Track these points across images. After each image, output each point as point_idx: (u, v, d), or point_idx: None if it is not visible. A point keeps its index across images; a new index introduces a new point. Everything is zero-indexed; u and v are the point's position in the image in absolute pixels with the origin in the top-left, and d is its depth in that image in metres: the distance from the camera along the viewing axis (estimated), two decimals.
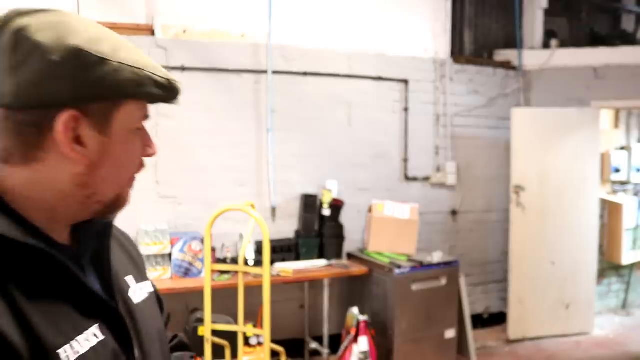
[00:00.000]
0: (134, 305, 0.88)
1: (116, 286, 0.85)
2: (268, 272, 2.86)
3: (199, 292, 3.06)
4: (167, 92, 0.80)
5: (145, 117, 0.81)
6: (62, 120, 0.71)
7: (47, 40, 0.70)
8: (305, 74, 4.27)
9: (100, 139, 0.75)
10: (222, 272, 3.63)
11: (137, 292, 0.91)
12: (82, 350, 0.72)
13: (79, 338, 0.72)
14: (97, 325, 0.76)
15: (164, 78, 0.78)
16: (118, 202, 0.82)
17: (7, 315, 0.66)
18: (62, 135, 0.72)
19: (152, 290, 0.97)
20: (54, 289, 0.73)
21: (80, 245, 0.83)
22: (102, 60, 0.72)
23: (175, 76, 0.82)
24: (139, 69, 0.75)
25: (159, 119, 3.72)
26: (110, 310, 0.79)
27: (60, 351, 0.69)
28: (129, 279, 0.91)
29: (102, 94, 0.73)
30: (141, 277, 0.96)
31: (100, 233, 0.86)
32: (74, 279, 0.75)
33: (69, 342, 0.70)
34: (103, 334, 0.76)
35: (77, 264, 0.80)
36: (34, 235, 0.73)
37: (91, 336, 0.74)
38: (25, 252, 0.70)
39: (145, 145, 0.84)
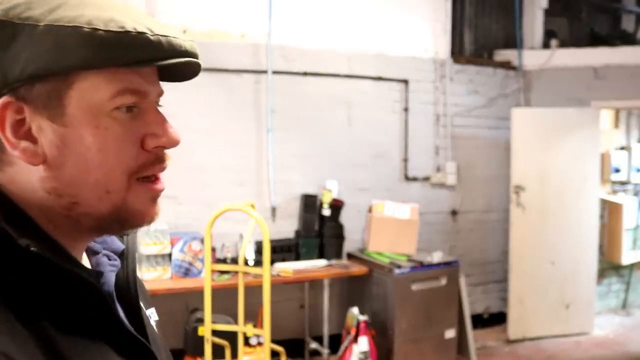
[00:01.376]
0: (155, 335, 0.75)
1: (145, 318, 0.73)
2: (268, 272, 2.86)
3: (199, 292, 3.06)
4: (145, 53, 0.58)
5: (134, 93, 0.60)
6: None
7: None
8: (305, 74, 4.27)
9: (54, 129, 0.58)
10: (222, 272, 3.64)
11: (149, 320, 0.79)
12: None
13: None
14: None
15: (133, 32, 0.56)
16: (120, 216, 0.62)
17: (36, 352, 0.54)
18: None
19: (157, 318, 0.82)
20: (88, 322, 0.60)
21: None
22: (24, 27, 0.55)
23: (180, 35, 0.61)
24: (80, 27, 0.55)
25: None
26: (144, 349, 0.66)
27: None
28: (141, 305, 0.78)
29: (34, 70, 0.55)
30: (148, 304, 0.80)
31: (120, 254, 0.72)
32: (109, 313, 0.62)
33: None
34: None
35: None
36: (65, 257, 0.59)
37: None
38: (58, 278, 0.58)
39: (147, 134, 0.62)
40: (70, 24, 0.55)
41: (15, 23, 0.55)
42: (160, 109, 0.65)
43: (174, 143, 0.64)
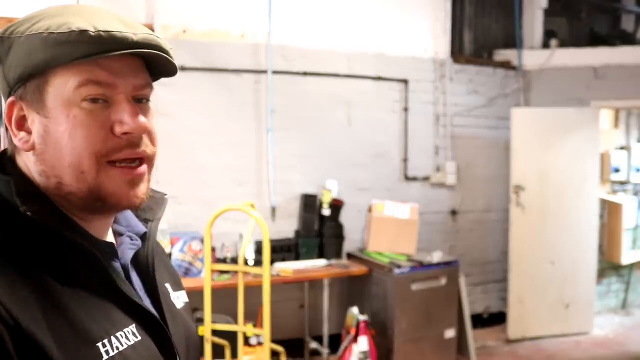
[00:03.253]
0: (177, 311, 0.85)
1: (161, 289, 0.82)
2: (268, 272, 2.86)
3: (199, 292, 3.06)
4: (88, 48, 0.66)
5: (98, 84, 0.69)
6: (6, 110, 0.72)
7: None
8: (305, 74, 4.27)
9: (41, 121, 0.70)
10: (222, 272, 3.64)
11: (176, 300, 0.88)
12: (122, 347, 0.68)
13: (118, 334, 0.69)
14: (134, 325, 0.72)
15: (75, 31, 0.66)
16: (99, 196, 0.71)
17: (37, 306, 0.62)
18: (8, 124, 0.72)
19: (187, 300, 0.93)
20: (91, 282, 0.70)
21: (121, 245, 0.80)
22: (15, 41, 0.69)
23: (137, 30, 0.70)
24: (41, 33, 0.67)
25: (158, 118, 3.72)
26: (147, 315, 0.75)
27: (100, 345, 0.66)
28: (168, 287, 0.88)
29: (21, 74, 0.69)
30: (177, 286, 0.92)
31: (142, 236, 0.83)
32: (109, 279, 0.72)
33: (108, 337, 0.67)
34: (140, 335, 0.72)
35: (117, 263, 0.77)
36: (70, 226, 0.71)
37: (130, 335, 0.71)
38: (63, 244, 0.69)
39: (115, 121, 0.70)
40: (36, 32, 0.67)
41: (10, 38, 0.70)
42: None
43: (139, 128, 0.71)
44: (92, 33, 0.66)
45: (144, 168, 0.74)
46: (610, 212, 5.49)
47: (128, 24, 0.70)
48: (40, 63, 0.68)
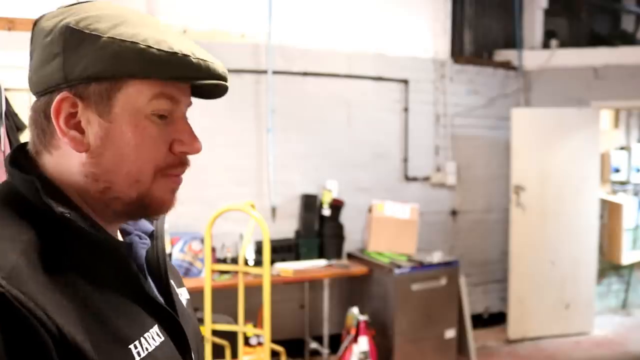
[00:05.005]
0: (184, 309, 0.85)
1: (175, 293, 0.82)
2: (268, 272, 2.86)
3: (199, 292, 3.06)
4: (186, 71, 0.69)
5: (169, 99, 0.71)
6: (54, 104, 0.68)
7: (49, 24, 0.69)
8: (305, 74, 4.27)
9: (101, 123, 0.69)
10: (222, 272, 3.64)
11: (180, 297, 0.88)
12: (151, 348, 0.68)
13: (145, 335, 0.69)
14: (156, 325, 0.72)
15: (179, 54, 0.68)
16: (144, 203, 0.73)
17: (73, 310, 0.61)
18: (54, 119, 0.68)
19: (188, 297, 0.92)
20: (118, 283, 0.69)
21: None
22: (90, 37, 0.66)
23: (217, 61, 0.73)
24: (137, 43, 0.66)
25: None
26: (167, 314, 0.75)
27: (132, 346, 0.65)
28: (172, 284, 0.87)
29: (93, 73, 0.67)
30: (179, 283, 0.91)
31: (149, 235, 0.83)
32: (135, 278, 0.72)
33: (138, 338, 0.67)
34: (162, 335, 0.72)
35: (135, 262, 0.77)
36: (97, 228, 0.69)
37: (155, 335, 0.71)
38: (91, 245, 0.68)
39: (176, 139, 0.73)
40: (129, 39, 0.67)
41: (83, 32, 0.67)
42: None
43: (196, 151, 0.74)
44: (193, 59, 0.69)
45: (182, 178, 0.77)
46: (610, 212, 5.49)
47: (201, 49, 0.73)
48: (128, 71, 0.67)
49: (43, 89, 0.70)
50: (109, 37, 0.66)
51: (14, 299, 0.57)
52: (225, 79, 0.74)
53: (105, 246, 0.69)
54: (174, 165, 0.73)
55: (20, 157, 0.73)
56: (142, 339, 0.67)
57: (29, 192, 0.68)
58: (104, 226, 0.73)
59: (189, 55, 0.69)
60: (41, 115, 0.70)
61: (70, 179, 0.71)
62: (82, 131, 0.69)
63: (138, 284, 0.71)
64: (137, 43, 0.66)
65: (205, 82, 0.71)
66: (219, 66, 0.73)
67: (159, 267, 0.81)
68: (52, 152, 0.71)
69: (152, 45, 0.67)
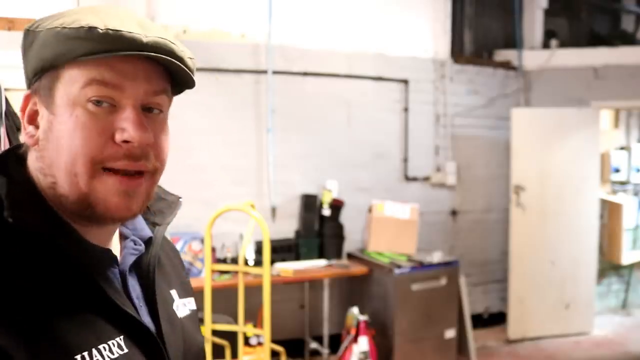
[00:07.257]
0: (178, 320, 0.81)
1: (161, 297, 0.78)
2: (268, 272, 2.86)
3: (199, 292, 3.06)
4: (94, 45, 0.64)
5: (104, 85, 0.66)
6: (21, 103, 0.71)
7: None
8: (305, 74, 4.27)
9: (47, 116, 0.68)
10: (222, 272, 3.64)
11: (181, 307, 0.84)
12: None
13: (100, 346, 0.65)
14: (121, 337, 0.68)
15: (84, 27, 0.64)
16: (89, 202, 0.67)
17: (14, 322, 0.59)
18: (21, 118, 0.71)
19: (194, 308, 0.88)
20: (76, 292, 0.66)
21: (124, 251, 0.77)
22: (35, 34, 0.68)
23: (153, 33, 0.66)
24: (54, 27, 0.65)
25: None
26: (137, 324, 0.71)
27: (78, 357, 0.63)
28: (173, 293, 0.84)
29: (35, 68, 0.69)
30: (185, 293, 0.87)
31: (147, 242, 0.80)
32: (96, 287, 0.68)
33: (89, 349, 0.64)
34: (127, 347, 0.68)
35: (115, 269, 0.74)
36: (63, 233, 0.67)
37: (115, 347, 0.67)
38: (50, 252, 0.65)
39: (117, 128, 0.67)
40: (52, 27, 0.66)
41: (34, 31, 0.68)
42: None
43: (140, 141, 0.67)
44: (100, 30, 0.64)
45: (142, 181, 0.70)
46: (610, 212, 5.49)
47: (145, 26, 0.67)
48: (49, 57, 0.66)
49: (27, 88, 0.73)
50: (43, 31, 0.67)
51: None
52: (155, 50, 0.66)
53: (60, 253, 0.66)
54: (116, 157, 0.67)
55: (10, 158, 0.72)
56: (94, 350, 0.64)
57: None
58: (85, 229, 0.70)
59: (95, 27, 0.64)
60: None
61: (38, 177, 0.70)
62: (38, 126, 0.70)
63: (100, 293, 0.68)
64: (55, 28, 0.65)
65: (121, 54, 0.64)
66: (146, 37, 0.65)
67: (148, 275, 0.78)
68: (31, 151, 0.72)
69: (66, 26, 0.65)
